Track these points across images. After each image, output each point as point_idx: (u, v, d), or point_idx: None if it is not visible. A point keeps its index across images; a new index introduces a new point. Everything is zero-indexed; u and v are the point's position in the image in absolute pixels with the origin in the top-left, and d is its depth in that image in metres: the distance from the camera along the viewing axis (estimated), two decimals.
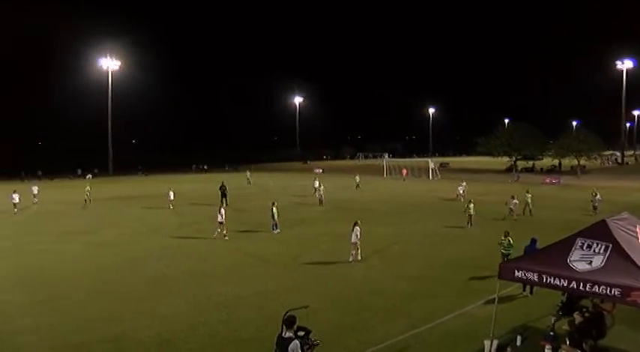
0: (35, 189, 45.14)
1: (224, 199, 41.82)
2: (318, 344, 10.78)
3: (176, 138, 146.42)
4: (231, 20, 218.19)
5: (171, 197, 40.67)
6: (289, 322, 9.77)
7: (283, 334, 9.66)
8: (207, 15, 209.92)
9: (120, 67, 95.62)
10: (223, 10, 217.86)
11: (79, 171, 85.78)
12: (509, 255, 18.57)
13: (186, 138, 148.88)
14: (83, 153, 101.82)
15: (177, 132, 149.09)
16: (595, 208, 34.58)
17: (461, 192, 42.44)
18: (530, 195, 35.25)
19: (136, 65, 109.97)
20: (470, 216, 30.80)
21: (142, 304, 16.48)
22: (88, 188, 44.49)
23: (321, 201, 42.03)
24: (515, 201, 33.23)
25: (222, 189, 43.24)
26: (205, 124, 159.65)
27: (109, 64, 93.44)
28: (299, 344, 9.44)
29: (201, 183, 66.29)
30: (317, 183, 44.38)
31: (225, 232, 27.45)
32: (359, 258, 21.78)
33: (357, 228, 21.90)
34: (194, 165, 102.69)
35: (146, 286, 18.61)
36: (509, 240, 19.25)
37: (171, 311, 15.70)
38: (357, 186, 56.62)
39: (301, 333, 10.34)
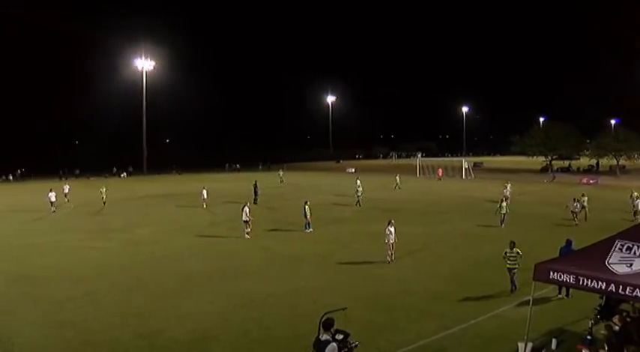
0: (67, 188, 45.52)
1: (255, 198, 42.43)
2: (357, 346, 10.48)
3: (210, 137, 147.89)
4: (264, 20, 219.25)
5: (205, 195, 41.03)
6: (327, 324, 9.62)
7: (320, 336, 9.54)
8: (242, 15, 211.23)
9: (154, 67, 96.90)
10: (257, 10, 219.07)
11: (114, 170, 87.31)
12: (515, 269, 17.05)
13: (220, 138, 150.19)
14: (119, 152, 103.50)
15: (210, 132, 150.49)
16: (636, 213, 32.76)
17: (507, 193, 41.30)
18: (586, 199, 32.94)
19: (171, 65, 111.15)
20: (503, 215, 30.44)
21: (174, 302, 16.67)
22: (103, 189, 43.48)
23: (358, 202, 41.39)
24: (576, 204, 31.51)
25: (255, 187, 43.68)
26: (239, 123, 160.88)
27: (144, 64, 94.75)
28: (336, 347, 9.32)
29: (234, 182, 66.61)
30: (358, 183, 44.08)
31: (249, 230, 27.59)
32: (392, 258, 21.61)
33: (392, 227, 21.69)
34: (227, 164, 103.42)
35: (178, 284, 18.84)
36: (516, 252, 17.17)
37: (203, 309, 15.85)
38: (397, 186, 55.92)
39: (340, 336, 10.09)
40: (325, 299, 16.08)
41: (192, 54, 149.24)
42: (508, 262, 17.25)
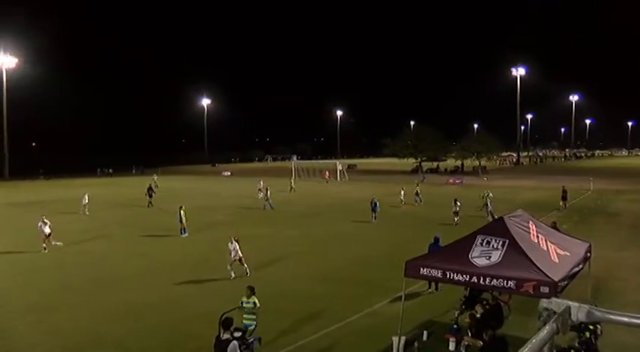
0: None
1: (150, 201, 42.81)
2: (254, 340, 11.31)
3: (80, 140, 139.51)
4: (138, 18, 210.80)
5: (86, 201, 38.46)
6: (226, 324, 10.00)
7: (221, 336, 9.80)
8: (116, 13, 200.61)
9: (17, 65, 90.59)
10: (132, 7, 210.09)
11: None
12: (253, 325, 12.42)
13: (92, 141, 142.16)
14: None
15: (80, 135, 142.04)
16: (486, 205, 33.41)
17: (402, 196, 41.92)
18: (487, 196, 34.30)
19: (37, 63, 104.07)
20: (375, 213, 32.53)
21: (43, 317, 15.62)
22: None
23: (266, 205, 40.23)
24: (459, 203, 31.97)
25: (149, 190, 43.69)
26: (111, 126, 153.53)
27: (4, 60, 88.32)
28: (237, 345, 9.68)
29: (108, 187, 64.28)
30: (261, 184, 44.28)
31: (46, 245, 25.25)
32: (247, 272, 20.10)
33: (236, 244, 20.23)
34: (99, 169, 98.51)
35: (45, 297, 17.66)
36: (253, 303, 12.66)
37: (74, 324, 14.99)
38: (292, 189, 54.98)
39: (238, 334, 10.48)
40: (202, 304, 15.94)
41: (60, 52, 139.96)
42: (244, 317, 12.59)
